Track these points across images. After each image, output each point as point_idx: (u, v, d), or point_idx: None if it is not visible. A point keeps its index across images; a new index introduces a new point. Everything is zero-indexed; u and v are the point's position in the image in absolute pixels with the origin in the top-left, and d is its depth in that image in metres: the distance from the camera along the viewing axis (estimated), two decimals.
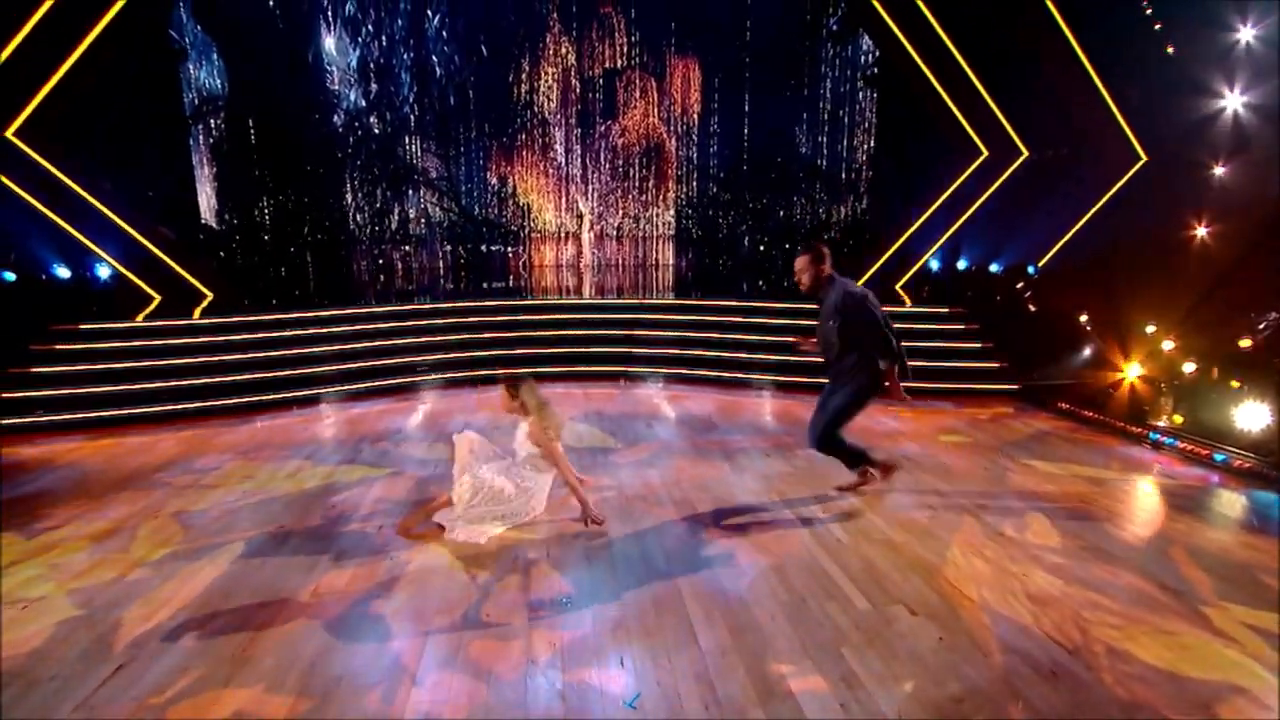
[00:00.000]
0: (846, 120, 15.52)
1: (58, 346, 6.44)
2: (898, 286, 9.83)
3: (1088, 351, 7.07)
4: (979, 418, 6.19)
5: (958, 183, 8.59)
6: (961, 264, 9.21)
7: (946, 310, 7.77)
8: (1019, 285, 8.63)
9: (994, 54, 8.10)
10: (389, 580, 3.21)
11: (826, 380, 4.14)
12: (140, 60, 10.23)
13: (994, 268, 9.13)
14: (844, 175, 16.00)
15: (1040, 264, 8.80)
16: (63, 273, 7.84)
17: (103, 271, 8.37)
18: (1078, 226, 8.47)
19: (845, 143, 15.67)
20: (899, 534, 3.71)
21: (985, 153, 8.50)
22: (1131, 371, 6.50)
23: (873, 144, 14.66)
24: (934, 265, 9.35)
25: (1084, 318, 7.43)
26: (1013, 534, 3.71)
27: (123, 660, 2.61)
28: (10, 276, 7.23)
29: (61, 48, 7.89)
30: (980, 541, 3.62)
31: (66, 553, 3.50)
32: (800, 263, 4.01)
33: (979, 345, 7.33)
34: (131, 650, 2.68)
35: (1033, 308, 8.19)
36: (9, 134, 7.75)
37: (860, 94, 15.15)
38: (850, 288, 3.91)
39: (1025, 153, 8.43)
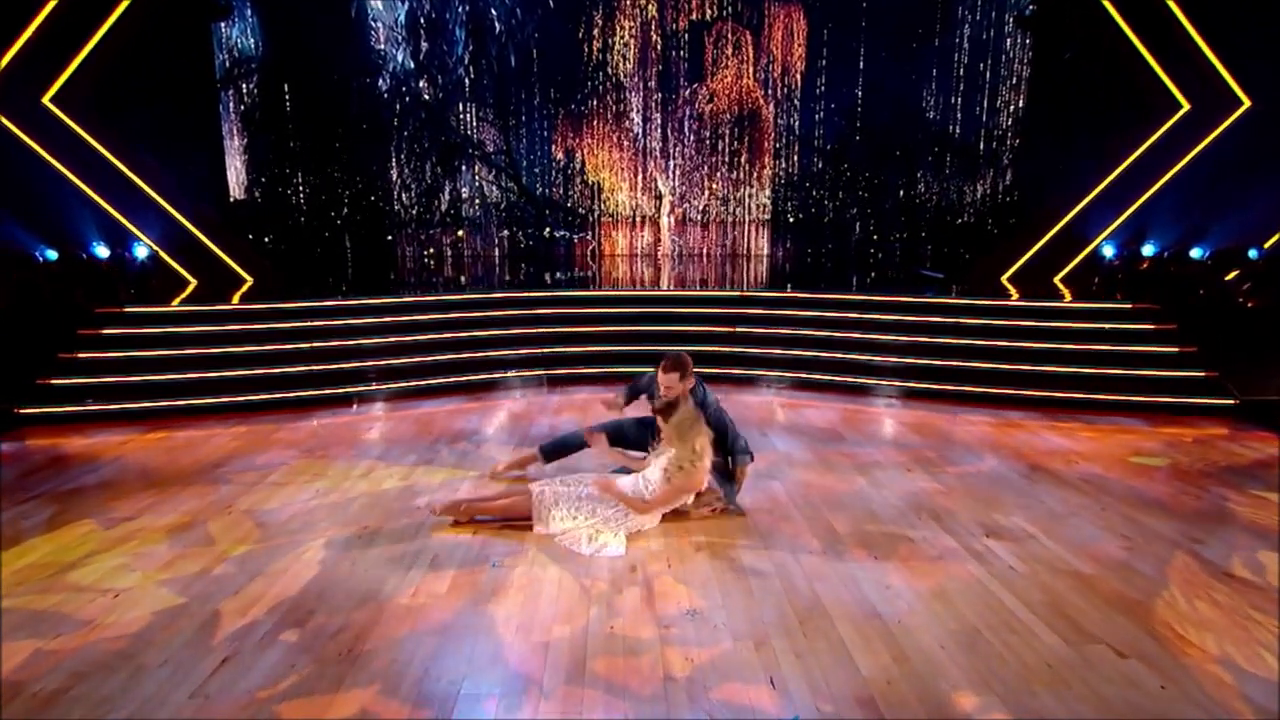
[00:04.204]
0: (988, 75, 15.26)
1: (104, 331, 7.09)
2: (1056, 279, 9.66)
3: None
4: (1182, 438, 6.04)
5: (1144, 146, 8.33)
6: (1148, 249, 8.91)
7: (1130, 306, 7.59)
8: (1233, 274, 8.25)
9: None
10: (494, 587, 3.46)
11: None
12: (177, 19, 11.08)
13: (1196, 253, 8.76)
14: (982, 145, 15.74)
15: (1266, 246, 8.37)
16: (102, 252, 8.63)
17: (140, 252, 9.15)
18: None
19: (985, 104, 15.42)
20: (1089, 566, 3.71)
21: (1185, 106, 8.24)
22: None
23: (1023, 104, 14.39)
24: (1107, 251, 9.12)
25: None
26: (1249, 576, 3.64)
27: (227, 653, 2.92)
28: (53, 254, 8.02)
29: (99, 7, 8.67)
30: (1203, 581, 3.57)
31: (146, 544, 3.91)
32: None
33: (1177, 350, 7.14)
34: (233, 643, 2.99)
35: (1252, 303, 7.82)
36: (46, 100, 8.59)
37: (1008, 41, 14.87)
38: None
39: (1246, 103, 8.05)
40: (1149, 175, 8.47)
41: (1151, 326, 7.40)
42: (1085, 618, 3.22)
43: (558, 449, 4.93)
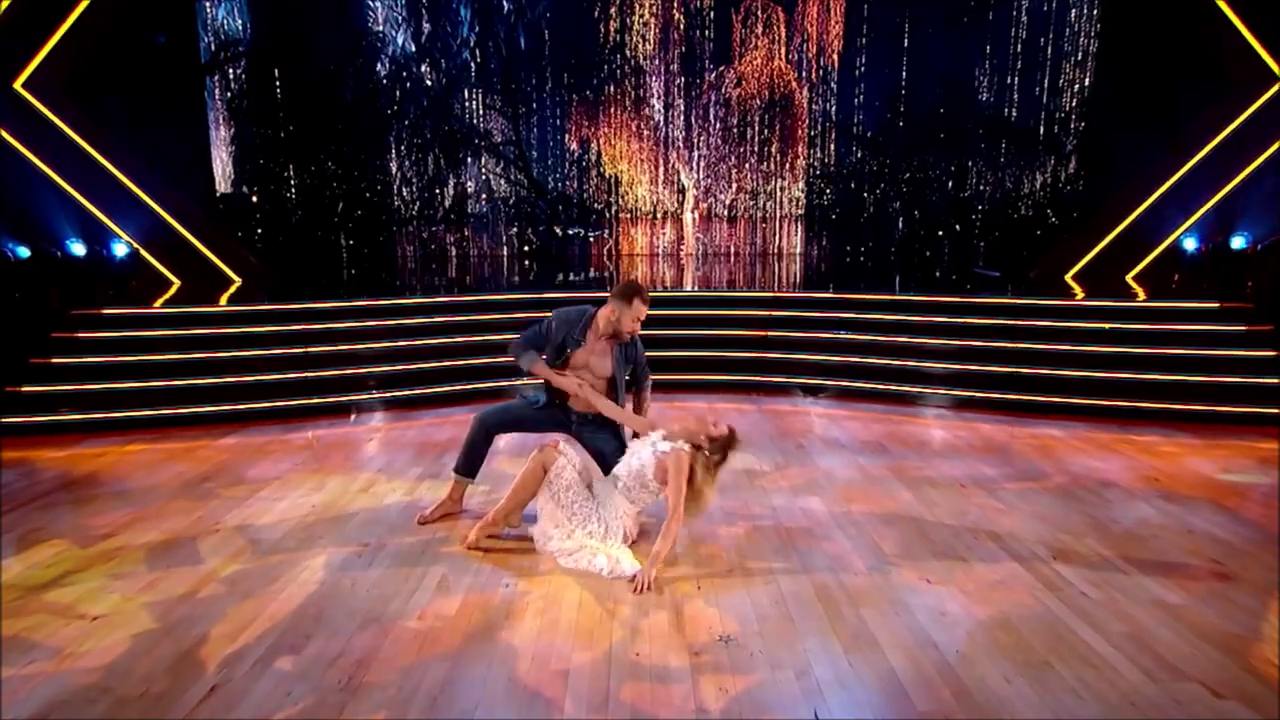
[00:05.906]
0: (1049, 52, 15.15)
1: (80, 335, 7.20)
2: (1129, 277, 9.56)
3: None
4: None
5: (1233, 125, 8.21)
6: (1238, 242, 8.78)
7: (1217, 306, 7.50)
8: None
9: None
10: (508, 610, 3.46)
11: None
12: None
13: None
14: (1042, 129, 15.65)
15: None
16: (78, 249, 8.77)
17: (119, 250, 9.29)
18: None
19: (1045, 84, 15.31)
20: (1175, 594, 3.64)
21: None
22: None
23: (1089, 82, 14.29)
24: (1189, 245, 9.04)
25: None
26: None
27: (216, 681, 2.93)
28: (24, 252, 8.16)
29: None
30: None
31: (126, 564, 3.95)
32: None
33: (1274, 354, 7.02)
34: (223, 671, 3.00)
35: None
36: (17, 85, 8.73)
37: (1072, 12, 14.77)
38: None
39: None
40: (1238, 158, 8.36)
41: (1243, 328, 7.29)
42: (1173, 652, 3.16)
43: (472, 457, 4.62)
